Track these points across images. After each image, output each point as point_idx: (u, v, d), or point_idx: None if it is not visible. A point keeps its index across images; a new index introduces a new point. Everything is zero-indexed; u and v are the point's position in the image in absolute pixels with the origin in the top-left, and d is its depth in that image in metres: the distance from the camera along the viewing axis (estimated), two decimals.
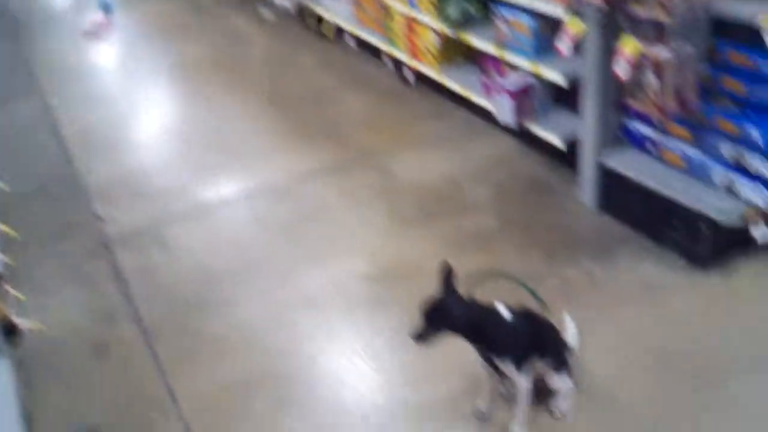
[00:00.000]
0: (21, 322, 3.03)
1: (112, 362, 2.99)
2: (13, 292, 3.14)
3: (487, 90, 4.20)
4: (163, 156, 4.60)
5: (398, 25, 4.94)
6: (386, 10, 4.99)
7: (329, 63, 5.60)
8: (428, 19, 4.55)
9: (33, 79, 5.83)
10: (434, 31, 4.57)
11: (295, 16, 6.29)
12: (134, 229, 3.85)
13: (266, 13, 6.53)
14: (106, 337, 3.11)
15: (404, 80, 5.06)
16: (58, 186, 4.30)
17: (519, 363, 2.31)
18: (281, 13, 6.40)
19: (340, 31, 5.77)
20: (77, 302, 3.34)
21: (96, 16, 6.83)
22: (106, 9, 6.88)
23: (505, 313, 2.31)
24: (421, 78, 4.93)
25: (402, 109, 4.81)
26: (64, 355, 3.04)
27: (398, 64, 5.10)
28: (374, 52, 5.41)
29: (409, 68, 4.96)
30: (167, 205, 4.04)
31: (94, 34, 6.53)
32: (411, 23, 4.79)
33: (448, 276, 2.28)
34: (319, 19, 5.98)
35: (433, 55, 4.67)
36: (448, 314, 2.21)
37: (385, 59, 5.23)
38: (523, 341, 2.31)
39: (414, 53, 4.84)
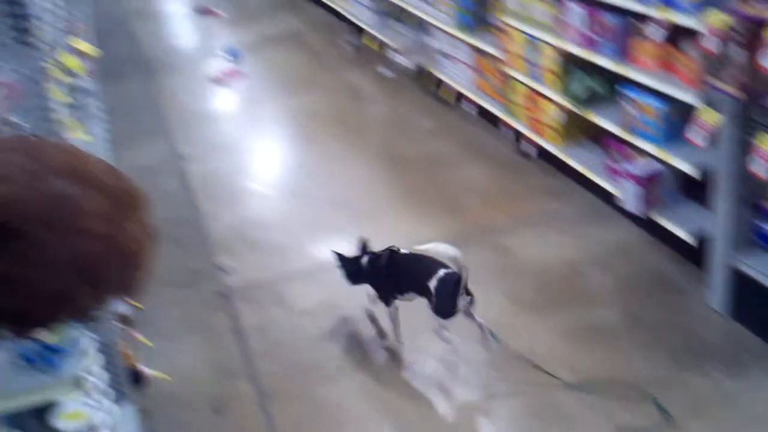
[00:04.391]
0: (147, 370, 3.14)
1: (229, 420, 3.05)
2: (140, 337, 3.26)
3: (611, 172, 4.16)
4: (282, 209, 4.71)
5: (520, 97, 4.96)
6: (508, 80, 5.02)
7: (447, 128, 5.65)
8: (551, 93, 4.56)
9: (161, 120, 6.08)
10: (557, 105, 4.56)
11: (415, 78, 6.39)
12: (254, 283, 3.94)
13: (386, 71, 6.65)
14: (224, 393, 3.19)
15: (523, 153, 5.05)
16: (182, 231, 4.45)
17: None
18: (401, 72, 6.51)
19: (459, 96, 5.82)
20: (198, 354, 3.44)
21: (224, 62, 7.11)
22: (234, 56, 7.15)
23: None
24: (541, 152, 4.91)
25: (520, 183, 4.80)
26: (185, 407, 3.12)
27: (518, 135, 5.10)
28: (493, 120, 5.43)
29: (529, 141, 4.95)
30: (285, 261, 4.13)
31: (222, 80, 6.77)
32: (533, 95, 4.80)
33: None
34: (439, 83, 6.06)
35: (554, 130, 4.66)
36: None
37: (505, 129, 5.24)
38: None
39: (535, 126, 4.84)
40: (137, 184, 1.17)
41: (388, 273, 3.36)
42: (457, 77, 5.78)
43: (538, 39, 4.52)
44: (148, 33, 8.58)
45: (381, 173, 5.09)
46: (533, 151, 4.96)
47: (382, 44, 6.97)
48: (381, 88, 6.49)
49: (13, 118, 1.81)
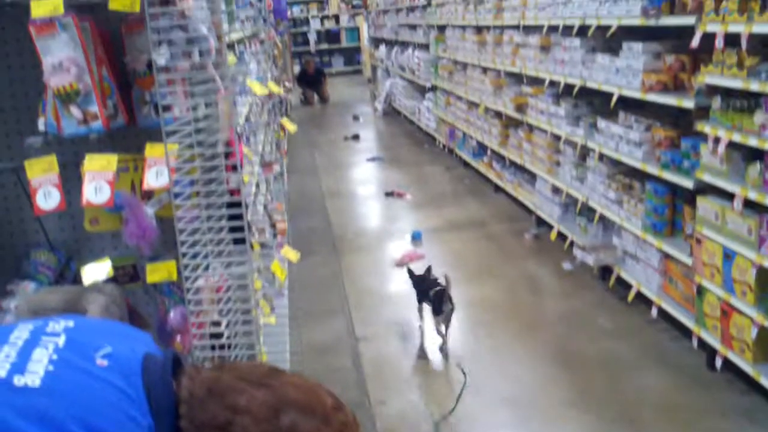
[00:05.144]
0: None
1: None
2: None
3: None
4: (450, 400, 4.63)
5: (710, 306, 4.72)
6: (698, 288, 4.82)
7: (627, 330, 5.45)
8: (746, 307, 4.31)
9: (341, 298, 6.31)
10: (752, 320, 4.29)
11: (597, 275, 6.29)
12: None
13: (567, 265, 6.60)
14: None
15: (711, 365, 4.74)
16: None
17: None
18: (582, 268, 6.44)
19: (642, 298, 5.64)
20: None
21: (406, 244, 7.37)
22: (416, 239, 7.41)
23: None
24: (730, 366, 4.59)
25: (706, 398, 4.47)
26: None
27: (705, 346, 4.82)
28: (679, 327, 5.19)
29: (718, 354, 4.65)
30: None
31: (403, 262, 6.99)
32: (725, 307, 4.55)
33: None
34: (622, 283, 5.92)
35: (747, 346, 4.36)
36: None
37: (691, 338, 4.97)
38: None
39: (725, 339, 4.56)
40: (342, 403, 1.26)
41: (417, 286, 5.62)
42: (641, 279, 5.62)
43: (735, 252, 4.35)
44: (337, 211, 9.12)
45: (553, 372, 4.93)
46: (721, 365, 4.65)
47: (564, 238, 6.98)
48: (560, 282, 6.42)
49: (220, 319, 1.96)
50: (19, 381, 1.13)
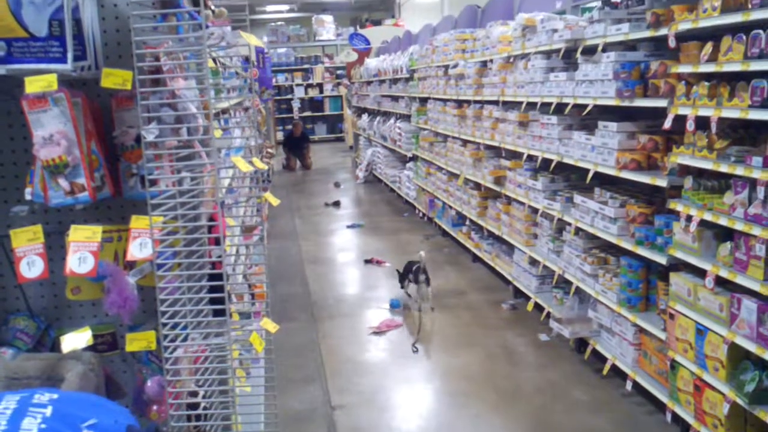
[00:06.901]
0: None
1: None
2: None
3: None
4: None
5: (683, 382, 4.76)
6: (673, 364, 4.86)
7: (603, 404, 5.47)
8: (718, 383, 4.35)
9: (318, 366, 6.29)
10: (725, 397, 4.33)
11: (573, 347, 6.34)
12: None
13: (544, 336, 6.65)
14: None
15: None
16: None
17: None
18: (559, 339, 6.48)
19: (618, 371, 5.67)
20: None
21: (384, 312, 7.38)
22: (394, 307, 7.41)
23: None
24: None
25: None
26: None
27: (679, 420, 4.85)
28: (653, 400, 5.22)
29: (692, 430, 4.68)
30: None
31: (380, 330, 6.99)
32: (698, 383, 4.60)
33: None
34: (597, 355, 5.95)
35: (720, 423, 4.39)
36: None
37: (667, 412, 5.00)
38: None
39: (699, 415, 4.59)
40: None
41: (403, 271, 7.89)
42: (616, 352, 5.67)
43: (708, 328, 4.42)
44: (316, 277, 9.13)
45: None
46: None
47: (541, 309, 7.03)
48: (537, 353, 6.45)
49: (197, 389, 1.98)
50: None
